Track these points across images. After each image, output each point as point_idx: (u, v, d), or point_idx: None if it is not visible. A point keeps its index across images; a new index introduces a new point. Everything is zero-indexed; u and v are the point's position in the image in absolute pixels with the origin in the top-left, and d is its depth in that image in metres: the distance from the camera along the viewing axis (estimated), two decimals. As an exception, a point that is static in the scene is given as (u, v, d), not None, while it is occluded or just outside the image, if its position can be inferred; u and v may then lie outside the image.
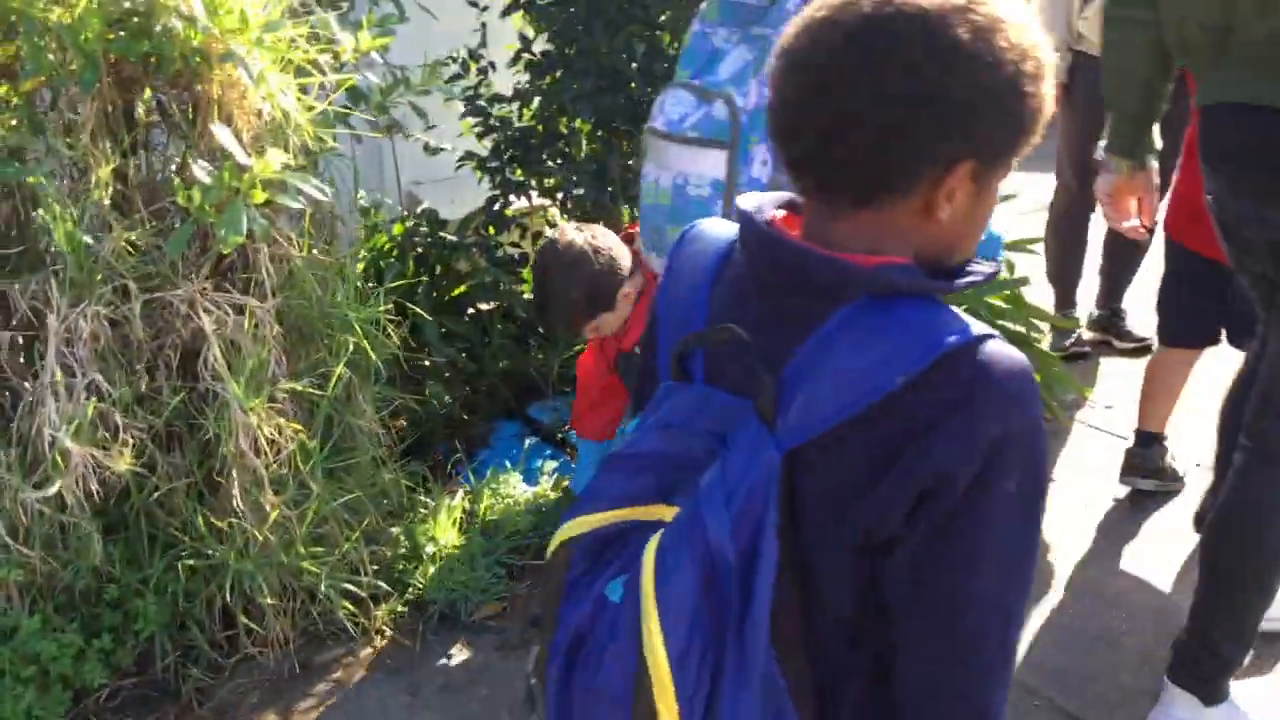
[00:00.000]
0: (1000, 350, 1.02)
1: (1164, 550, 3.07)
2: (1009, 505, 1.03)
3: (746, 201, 1.17)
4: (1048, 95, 1.06)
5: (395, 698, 2.64)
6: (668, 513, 1.11)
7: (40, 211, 2.39)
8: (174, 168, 2.71)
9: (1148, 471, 3.27)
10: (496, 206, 3.99)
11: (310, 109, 2.65)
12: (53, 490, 2.31)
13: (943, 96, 1.01)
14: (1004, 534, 1.04)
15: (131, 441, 2.46)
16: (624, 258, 2.76)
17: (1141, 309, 4.33)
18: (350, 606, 2.71)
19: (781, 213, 1.18)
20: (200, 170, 2.40)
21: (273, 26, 2.46)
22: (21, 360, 2.46)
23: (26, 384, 2.41)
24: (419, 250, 3.99)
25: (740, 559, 1.03)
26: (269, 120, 2.58)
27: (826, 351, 1.05)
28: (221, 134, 2.38)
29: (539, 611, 2.85)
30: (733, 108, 2.23)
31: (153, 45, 2.37)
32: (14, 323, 2.45)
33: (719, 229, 1.25)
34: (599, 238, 2.74)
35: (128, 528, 2.61)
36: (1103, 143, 2.49)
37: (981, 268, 1.12)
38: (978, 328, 1.02)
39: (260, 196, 2.45)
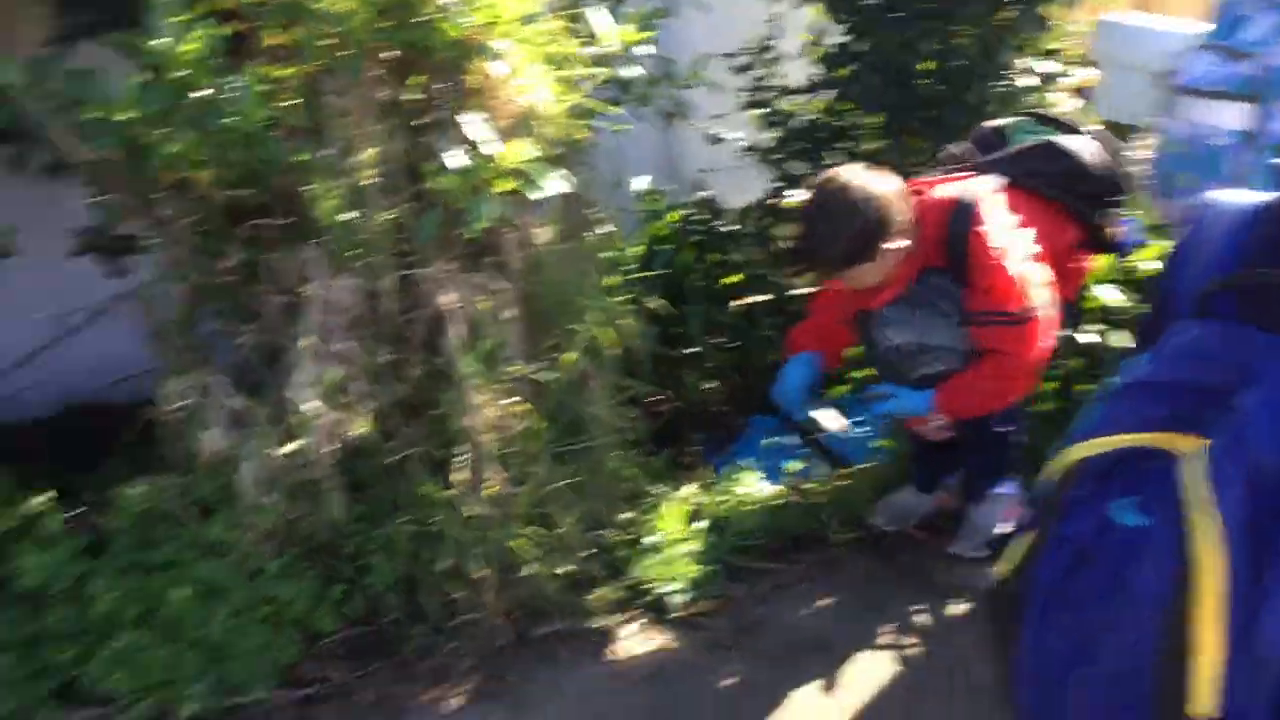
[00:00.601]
0: None
1: None
2: None
3: None
4: None
5: (600, 681, 2.69)
6: (1183, 442, 1.19)
7: (310, 188, 2.58)
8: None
9: None
10: (776, 199, 3.96)
11: (566, 101, 2.72)
12: (295, 447, 2.50)
13: None
14: None
15: (374, 408, 2.63)
16: (900, 212, 2.60)
17: None
18: (564, 588, 2.78)
19: None
20: (451, 158, 2.52)
21: (528, 20, 2.54)
22: (284, 326, 2.67)
23: (287, 347, 2.62)
24: (698, 238, 4.03)
25: None
26: (524, 111, 2.66)
27: None
28: (470, 124, 2.48)
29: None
30: (1261, 66, 2.44)
31: (416, 36, 2.50)
32: (282, 290, 2.67)
33: (1240, 197, 1.37)
34: (877, 185, 2.59)
35: (369, 488, 2.78)
36: None
37: None
38: None
39: (506, 185, 2.54)
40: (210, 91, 2.37)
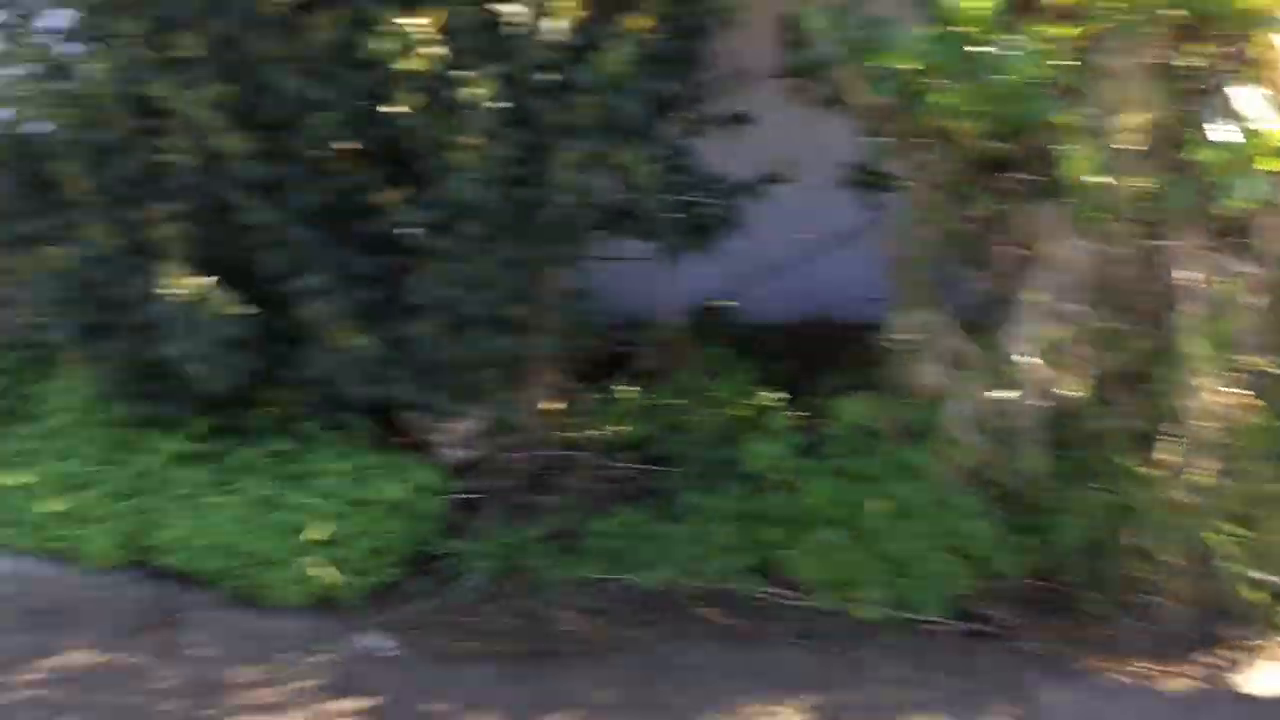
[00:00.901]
0: None
1: None
2: None
3: None
4: None
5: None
6: None
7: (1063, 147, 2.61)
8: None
9: None
10: None
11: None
12: (1006, 395, 2.61)
13: None
14: None
15: (1091, 373, 2.64)
16: None
17: None
18: (1260, 596, 2.62)
19: None
20: (1217, 130, 2.42)
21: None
22: (1014, 279, 2.75)
23: (1013, 299, 2.71)
24: None
25: None
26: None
27: None
28: (1242, 97, 2.36)
29: None
30: None
31: (1199, 3, 2.42)
32: (1018, 243, 2.75)
33: None
34: None
35: (1069, 448, 2.80)
36: None
37: None
38: None
39: (1273, 164, 2.40)
40: (990, 48, 2.48)
